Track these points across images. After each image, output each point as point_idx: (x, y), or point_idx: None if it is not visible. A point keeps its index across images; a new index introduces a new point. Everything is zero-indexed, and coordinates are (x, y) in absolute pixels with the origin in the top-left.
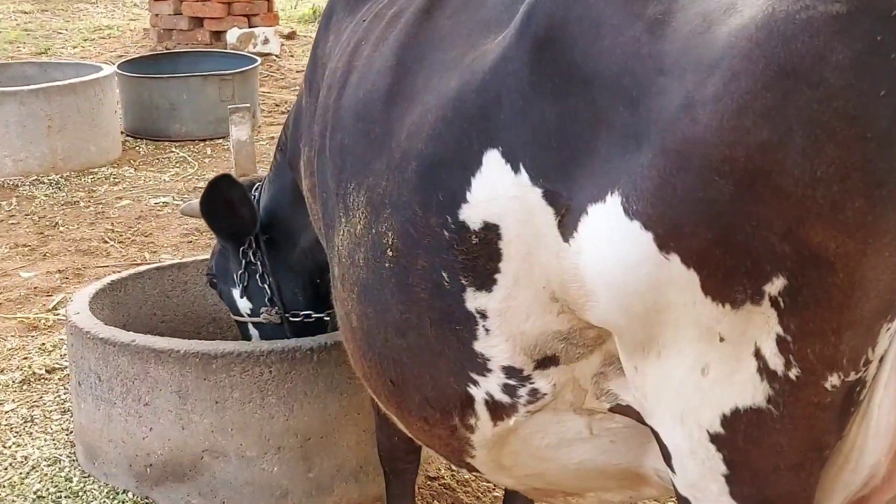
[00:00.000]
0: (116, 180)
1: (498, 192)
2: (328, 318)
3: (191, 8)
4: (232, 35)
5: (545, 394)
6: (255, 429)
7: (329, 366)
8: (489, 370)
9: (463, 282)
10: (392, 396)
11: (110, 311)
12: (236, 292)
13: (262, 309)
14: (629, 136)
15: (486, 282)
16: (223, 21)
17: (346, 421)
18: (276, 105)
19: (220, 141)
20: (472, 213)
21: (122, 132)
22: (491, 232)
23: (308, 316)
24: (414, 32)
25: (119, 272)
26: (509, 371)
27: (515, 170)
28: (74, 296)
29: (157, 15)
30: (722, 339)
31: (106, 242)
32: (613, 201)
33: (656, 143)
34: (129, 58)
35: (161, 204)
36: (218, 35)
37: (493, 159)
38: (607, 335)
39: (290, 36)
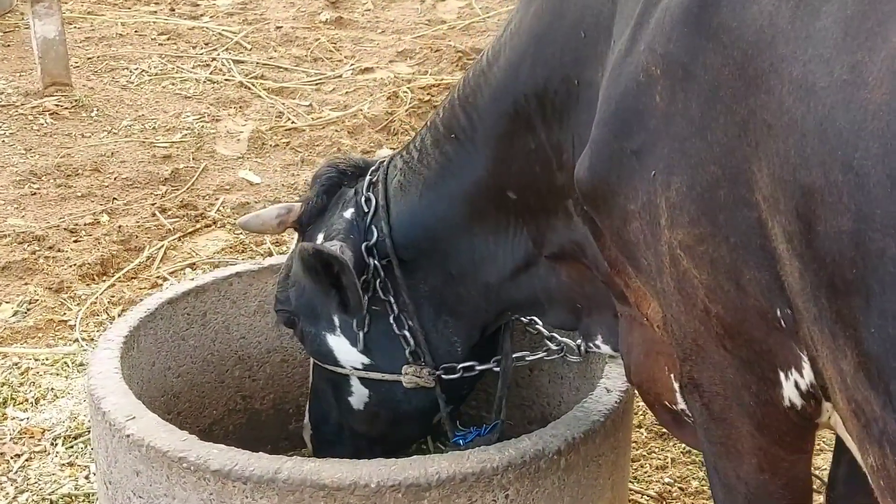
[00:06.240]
0: None
1: None
2: (497, 369)
3: None
4: None
5: None
6: None
7: (577, 470)
8: None
9: None
10: None
11: (126, 384)
12: (336, 338)
13: (406, 368)
14: None
15: None
16: None
17: None
18: None
19: None
20: None
21: None
22: None
23: (470, 369)
24: None
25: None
26: None
27: None
28: (102, 381)
29: None
30: None
31: None
32: None
33: None
34: None
35: None
36: None
37: None
38: None
39: None
